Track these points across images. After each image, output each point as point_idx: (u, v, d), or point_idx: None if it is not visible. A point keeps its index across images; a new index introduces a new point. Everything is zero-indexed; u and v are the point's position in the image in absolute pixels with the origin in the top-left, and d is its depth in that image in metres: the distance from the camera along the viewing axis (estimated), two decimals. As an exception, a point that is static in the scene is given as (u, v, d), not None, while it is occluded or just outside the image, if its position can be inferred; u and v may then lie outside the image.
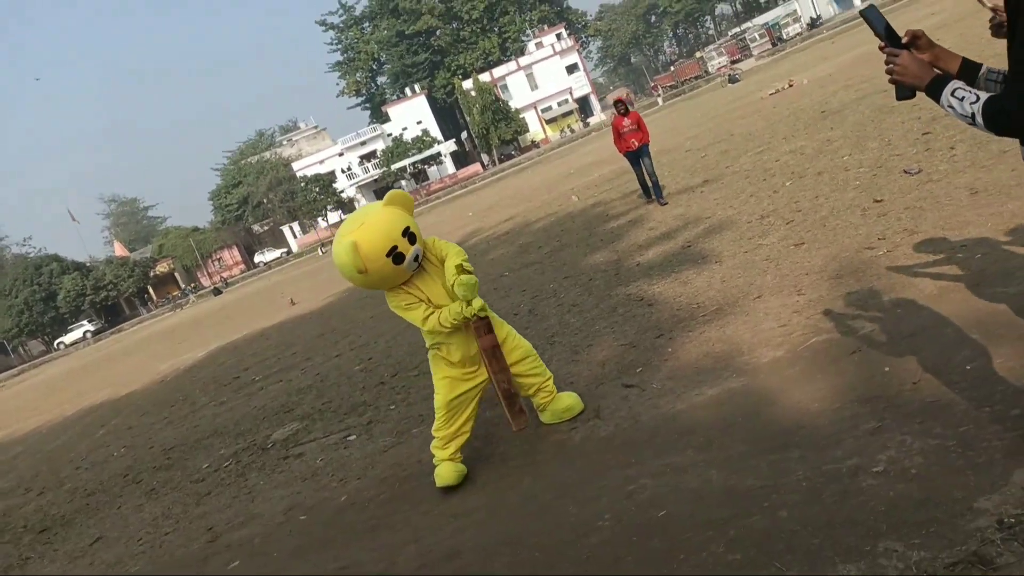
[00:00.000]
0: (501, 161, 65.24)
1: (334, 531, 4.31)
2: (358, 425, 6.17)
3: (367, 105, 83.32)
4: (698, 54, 75.05)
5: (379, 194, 66.96)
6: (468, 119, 67.21)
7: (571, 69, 70.15)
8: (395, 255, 3.88)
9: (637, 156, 10.77)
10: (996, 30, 2.45)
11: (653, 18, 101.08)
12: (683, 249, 7.51)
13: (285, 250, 67.25)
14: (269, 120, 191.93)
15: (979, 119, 1.82)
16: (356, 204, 67.22)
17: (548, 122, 69.46)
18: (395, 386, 6.93)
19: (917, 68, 1.98)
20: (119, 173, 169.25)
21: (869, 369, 3.56)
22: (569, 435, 4.29)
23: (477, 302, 4.01)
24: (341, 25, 78.83)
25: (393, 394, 6.69)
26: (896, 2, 37.31)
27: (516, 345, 4.36)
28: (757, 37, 65.60)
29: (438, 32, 74.95)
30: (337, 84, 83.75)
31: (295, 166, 67.85)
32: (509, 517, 3.63)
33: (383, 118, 72.49)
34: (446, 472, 4.17)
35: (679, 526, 2.95)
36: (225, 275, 65.10)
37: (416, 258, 4.02)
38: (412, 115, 68.50)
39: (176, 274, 67.38)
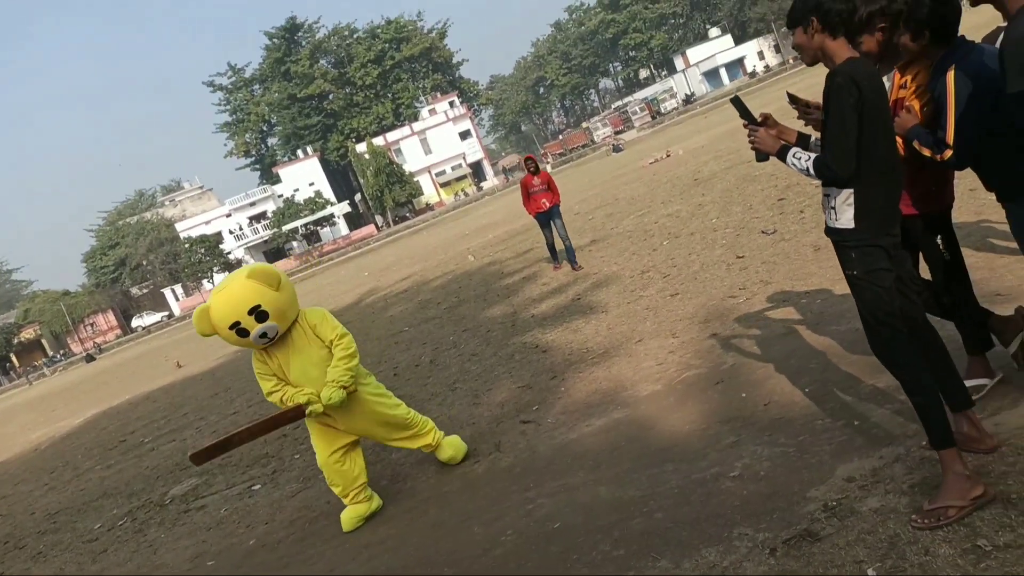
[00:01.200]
0: (396, 223, 65.61)
1: (245, 572, 4.42)
2: (262, 475, 6.26)
3: (257, 166, 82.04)
4: (584, 124, 78.96)
5: (269, 256, 65.60)
6: (362, 181, 67.41)
7: (464, 135, 72.07)
8: (239, 329, 3.92)
9: (548, 217, 10.14)
10: (814, 124, 3.11)
11: (541, 89, 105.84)
12: (573, 301, 8.11)
13: (166, 313, 64.27)
14: (150, 180, 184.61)
15: (811, 171, 2.56)
16: (245, 264, 65.37)
17: (442, 185, 70.69)
18: (297, 437, 7.04)
19: (769, 139, 2.73)
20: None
21: (729, 396, 4.15)
22: (472, 468, 4.64)
23: (318, 407, 4.08)
24: (230, 87, 77.93)
25: (296, 444, 6.80)
26: (753, 86, 41.04)
27: (391, 418, 4.46)
28: (638, 110, 69.94)
29: (331, 96, 75.41)
30: (225, 144, 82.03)
31: (179, 227, 65.56)
32: (420, 542, 3.92)
33: (274, 179, 71.57)
34: (348, 516, 4.39)
35: (572, 533, 3.36)
36: (99, 340, 61.33)
37: (263, 335, 3.98)
38: (304, 176, 68.04)
39: (43, 340, 62.81)
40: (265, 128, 79.48)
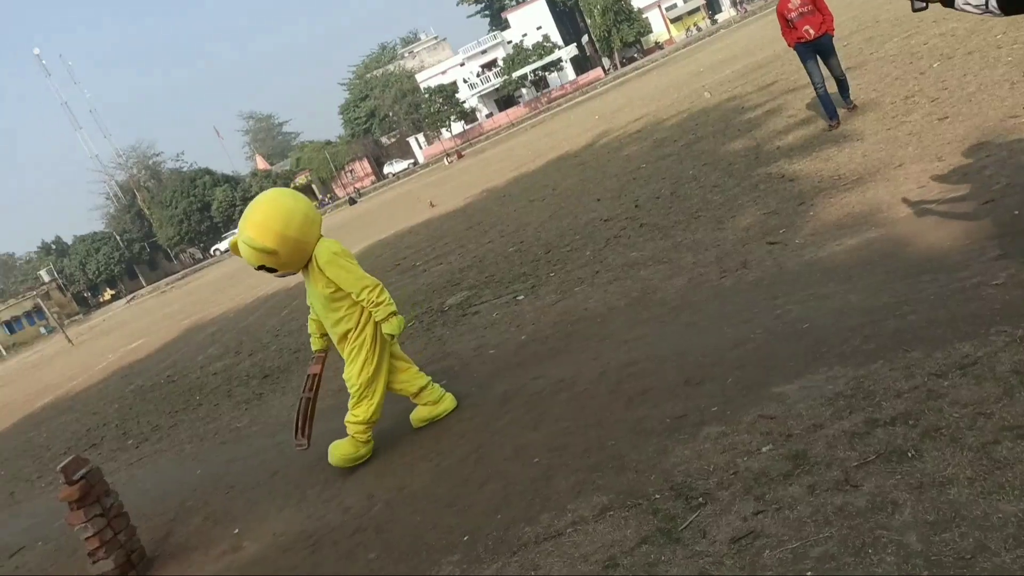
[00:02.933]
0: (623, 65, 63.64)
1: (522, 357, 5.29)
2: (523, 289, 7.13)
3: (486, 12, 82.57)
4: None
5: (500, 104, 67.37)
6: (588, 22, 65.48)
7: (699, -38, 66.29)
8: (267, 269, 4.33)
9: (814, 49, 7.74)
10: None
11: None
12: (823, 132, 7.80)
13: (412, 161, 69.45)
14: (390, 33, 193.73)
15: (991, 4, 2.22)
16: (478, 114, 67.99)
17: (672, 21, 66.56)
18: (550, 260, 7.82)
19: None
20: (253, 91, 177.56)
21: (999, 213, 4.02)
22: (720, 282, 5.01)
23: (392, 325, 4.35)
24: (460, -71, 77.61)
25: (550, 265, 7.58)
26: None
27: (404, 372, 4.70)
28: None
29: (558, -70, 72.38)
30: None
31: (418, 77, 69.07)
32: (675, 339, 4.44)
33: (503, 25, 71.89)
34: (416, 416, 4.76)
35: (822, 332, 3.65)
36: (357, 186, 68.32)
37: (283, 276, 4.53)
38: (532, 20, 67.52)
39: (313, 186, 71.31)
40: (493, -29, 78.98)
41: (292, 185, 69.44)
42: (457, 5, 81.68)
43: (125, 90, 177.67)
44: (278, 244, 4.17)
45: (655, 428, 3.43)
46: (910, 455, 2.47)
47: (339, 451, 4.52)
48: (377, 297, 4.31)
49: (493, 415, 4.45)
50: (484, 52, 68.33)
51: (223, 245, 65.53)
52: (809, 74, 7.86)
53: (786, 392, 3.23)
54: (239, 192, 66.29)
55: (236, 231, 4.51)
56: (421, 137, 70.32)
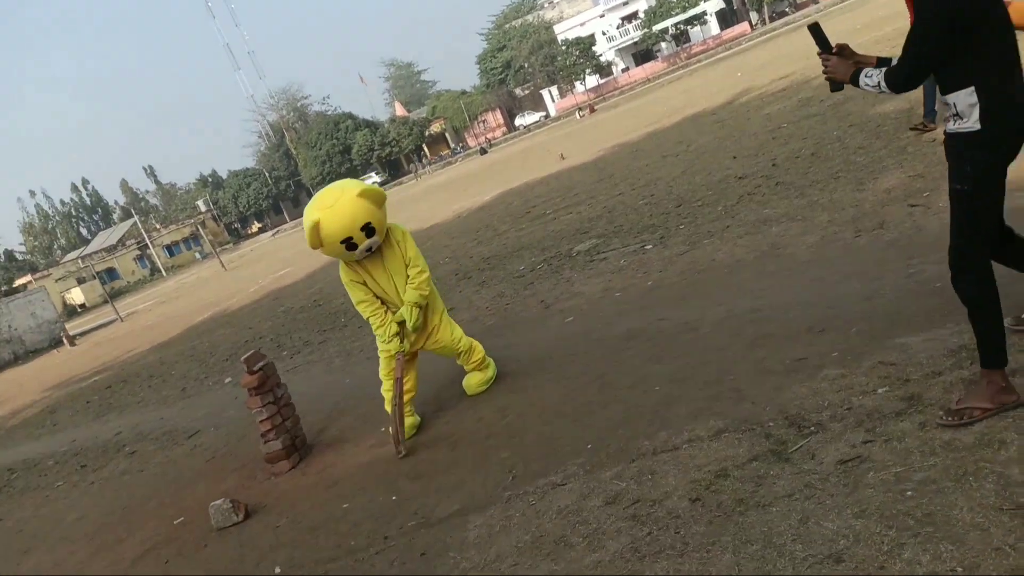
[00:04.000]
0: (773, 20, 60.37)
1: (647, 301, 5.56)
2: (651, 239, 7.33)
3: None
4: None
5: (637, 58, 65.83)
6: (739, -27, 62.38)
7: (867, -91, 61.25)
8: (349, 244, 4.23)
9: None
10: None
11: None
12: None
13: (544, 114, 69.49)
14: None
15: (883, 85, 2.56)
16: (614, 68, 66.82)
17: (832, -26, 62.16)
18: (680, 213, 7.94)
19: (843, 68, 2.72)
20: (395, 39, 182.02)
21: None
22: (854, 241, 5.04)
23: (404, 347, 4.57)
24: None
25: (680, 219, 7.72)
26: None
27: (442, 333, 4.78)
28: None
29: None
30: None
31: (556, 29, 68.50)
32: (802, 290, 4.56)
33: (648, -25, 69.75)
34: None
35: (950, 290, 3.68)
36: (488, 136, 69.30)
37: (369, 249, 4.35)
38: (679, -29, 65.03)
39: (447, 134, 72.98)
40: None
41: (427, 133, 71.45)
42: (601, -46, 79.65)
43: (280, 34, 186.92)
44: (384, 204, 4.37)
45: (774, 368, 3.63)
46: (1026, 403, 2.58)
47: (475, 380, 4.92)
48: (424, 278, 4.57)
49: (617, 348, 4.77)
50: (626, 3, 66.68)
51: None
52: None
53: (909, 342, 3.35)
54: (378, 137, 68.91)
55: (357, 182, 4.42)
56: (555, 90, 70.04)
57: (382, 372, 4.83)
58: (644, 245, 7.20)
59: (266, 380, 4.99)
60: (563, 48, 63.72)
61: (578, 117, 47.31)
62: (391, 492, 4.00)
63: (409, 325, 4.60)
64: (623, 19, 66.46)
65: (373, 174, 69.16)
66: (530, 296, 7.04)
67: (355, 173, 71.00)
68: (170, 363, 12.26)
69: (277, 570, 3.59)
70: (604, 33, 66.25)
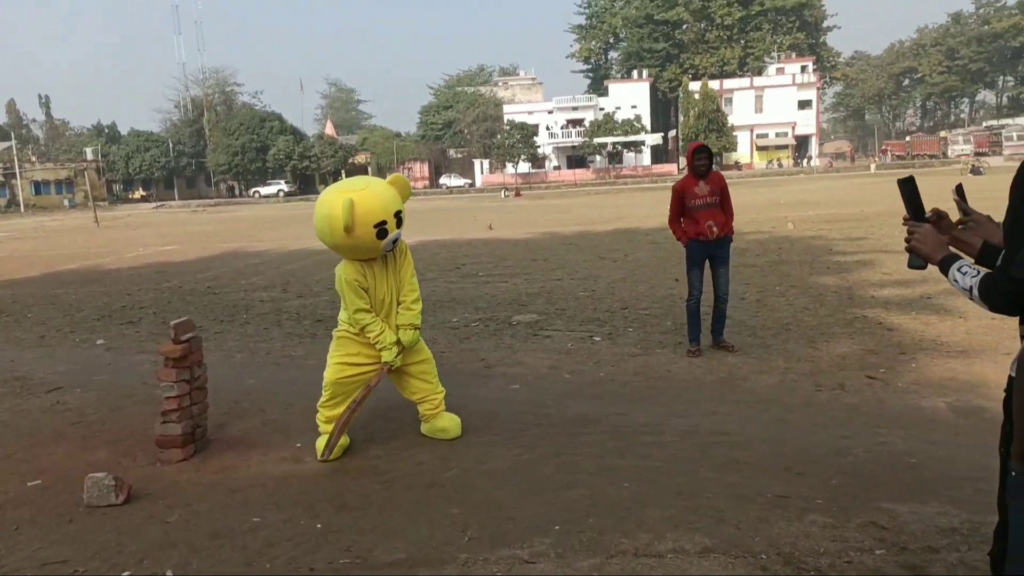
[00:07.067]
0: (699, 170, 64.56)
1: (601, 391, 5.39)
2: (599, 332, 7.26)
3: (590, 74, 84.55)
4: (943, 134, 70.26)
5: (572, 162, 68.41)
6: (681, 119, 66.81)
7: (803, 105, 67.80)
8: (380, 229, 3.99)
9: (707, 254, 6.29)
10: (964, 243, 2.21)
11: (907, 81, 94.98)
12: (921, 298, 7.97)
13: (469, 182, 70.29)
14: (491, 59, 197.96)
15: (975, 293, 1.87)
16: (548, 162, 69.00)
17: (759, 149, 67.82)
18: (627, 316, 7.95)
19: (934, 243, 2.07)
20: (346, 62, 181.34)
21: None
22: (815, 394, 5.12)
23: (397, 361, 4.29)
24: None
25: (627, 321, 7.71)
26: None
27: (421, 348, 4.52)
28: (1015, 137, 60.56)
29: (685, 26, 74.51)
30: (571, 46, 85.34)
31: (505, 108, 70.41)
32: (768, 426, 4.53)
33: (601, 91, 73.45)
34: (324, 444, 4.23)
35: (929, 472, 3.74)
36: (413, 184, 69.06)
37: (395, 241, 4.14)
38: (630, 98, 68.91)
39: (369, 168, 72.20)
40: (611, 40, 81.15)
41: (350, 161, 70.42)
42: (566, 58, 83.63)
43: (237, 15, 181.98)
44: (403, 204, 4.23)
45: (754, 498, 3.51)
46: (1038, 604, 2.55)
47: (455, 422, 4.52)
48: (419, 304, 4.42)
49: (573, 431, 4.54)
50: (575, 109, 69.68)
51: (265, 190, 66.22)
52: (690, 282, 6.33)
53: (896, 510, 3.33)
54: (300, 147, 67.19)
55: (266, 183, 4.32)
56: (487, 163, 71.30)
57: (336, 389, 4.36)
58: (592, 336, 7.10)
59: (189, 354, 4.40)
60: (507, 128, 65.38)
61: (502, 196, 48.10)
62: (312, 518, 3.52)
63: (406, 344, 4.34)
64: (569, 121, 69.23)
65: (282, 182, 67.04)
66: (468, 351, 6.74)
67: (266, 175, 68.60)
68: (24, 304, 10.89)
69: (169, 573, 3.01)
70: (548, 128, 68.63)
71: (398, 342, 4.35)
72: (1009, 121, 69.75)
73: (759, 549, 3.02)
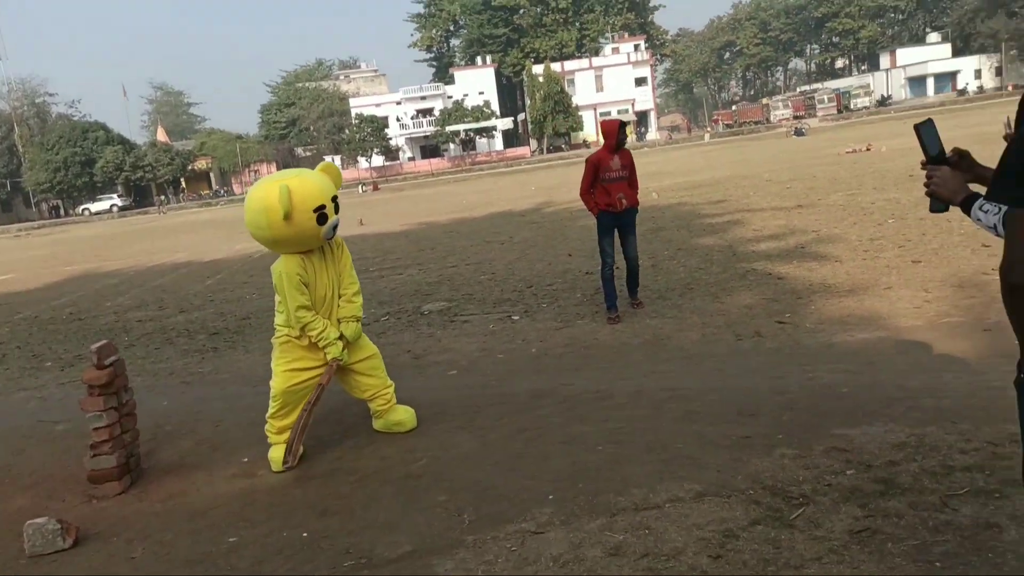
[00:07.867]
0: (549, 152, 66.27)
1: (539, 366, 5.48)
2: (516, 311, 7.34)
3: (434, 63, 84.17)
4: (764, 101, 76.15)
5: (425, 151, 68.04)
6: (528, 102, 68.18)
7: (640, 82, 71.19)
8: (320, 214, 3.88)
9: (616, 223, 6.54)
10: None
11: (727, 55, 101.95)
12: (797, 248, 8.66)
13: (322, 179, 68.18)
14: (331, 52, 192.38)
15: (1000, 229, 1.84)
16: (401, 153, 68.20)
17: (604, 126, 70.48)
18: (536, 294, 8.08)
19: (954, 184, 2.01)
20: (170, 63, 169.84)
21: (1003, 340, 4.72)
22: (737, 343, 5.46)
23: (345, 356, 4.18)
24: (431, -21, 79.63)
25: (538, 298, 7.84)
26: (957, 106, 38.20)
27: (365, 344, 4.44)
28: (825, 100, 66.71)
29: (522, 11, 75.77)
30: (412, 35, 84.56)
31: (352, 102, 68.80)
32: (706, 377, 4.79)
33: (447, 80, 73.41)
34: (279, 455, 4.10)
35: (861, 399, 4.10)
36: (258, 188, 65.98)
37: (334, 228, 4.04)
38: (476, 84, 69.37)
39: (212, 174, 68.26)
40: (452, 28, 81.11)
41: (190, 168, 66.27)
42: (408, 47, 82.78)
43: (41, 20, 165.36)
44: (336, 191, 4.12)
45: (720, 442, 3.72)
46: (997, 495, 2.90)
47: (409, 413, 4.45)
48: (360, 296, 4.44)
49: (527, 406, 4.59)
50: (424, 99, 69.21)
51: (95, 207, 60.97)
52: (602, 251, 6.58)
53: (850, 435, 3.63)
54: (131, 157, 62.36)
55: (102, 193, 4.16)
56: (338, 159, 69.45)
57: (285, 397, 4.16)
58: (511, 315, 7.17)
59: (114, 379, 4.04)
60: (355, 122, 63.94)
61: (360, 191, 47.06)
62: (294, 528, 3.36)
63: (350, 338, 4.19)
64: (419, 111, 68.72)
65: (115, 196, 61.99)
66: (390, 345, 6.60)
67: (96, 190, 63.18)
68: None
69: (162, 611, 2.79)
70: (399, 119, 67.82)
71: (341, 336, 4.22)
72: (819, 86, 76.69)
73: (745, 486, 3.21)
